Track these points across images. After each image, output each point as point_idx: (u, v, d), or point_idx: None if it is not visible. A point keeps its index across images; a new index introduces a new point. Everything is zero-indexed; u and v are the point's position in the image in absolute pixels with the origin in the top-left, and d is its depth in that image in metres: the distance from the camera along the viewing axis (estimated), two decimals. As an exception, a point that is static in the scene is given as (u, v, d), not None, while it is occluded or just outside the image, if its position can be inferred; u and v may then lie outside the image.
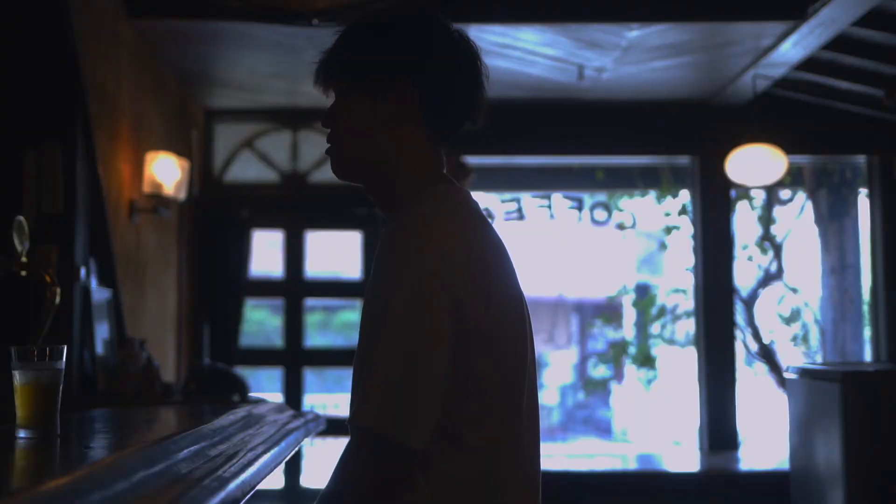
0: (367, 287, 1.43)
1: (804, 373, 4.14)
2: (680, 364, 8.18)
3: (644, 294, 9.20)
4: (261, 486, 1.57)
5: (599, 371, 9.90)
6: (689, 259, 6.44)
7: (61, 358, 1.50)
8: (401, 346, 1.35)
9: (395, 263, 1.38)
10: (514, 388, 1.44)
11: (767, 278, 7.76)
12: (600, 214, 7.09)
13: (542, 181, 6.69)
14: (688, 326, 7.77)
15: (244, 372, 5.19)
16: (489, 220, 1.54)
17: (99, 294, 3.71)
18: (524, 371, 1.46)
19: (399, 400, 1.34)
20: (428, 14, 1.52)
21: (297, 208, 5.98)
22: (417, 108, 1.49)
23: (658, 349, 8.36)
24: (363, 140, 1.51)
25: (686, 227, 7.24)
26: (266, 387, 6.81)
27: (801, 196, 7.59)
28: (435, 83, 1.49)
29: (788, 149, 5.22)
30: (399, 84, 1.48)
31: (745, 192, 7.37)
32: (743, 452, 5.71)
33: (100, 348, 3.65)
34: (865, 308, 6.71)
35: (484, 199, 6.88)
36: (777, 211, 7.83)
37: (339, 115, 1.53)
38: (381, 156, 1.51)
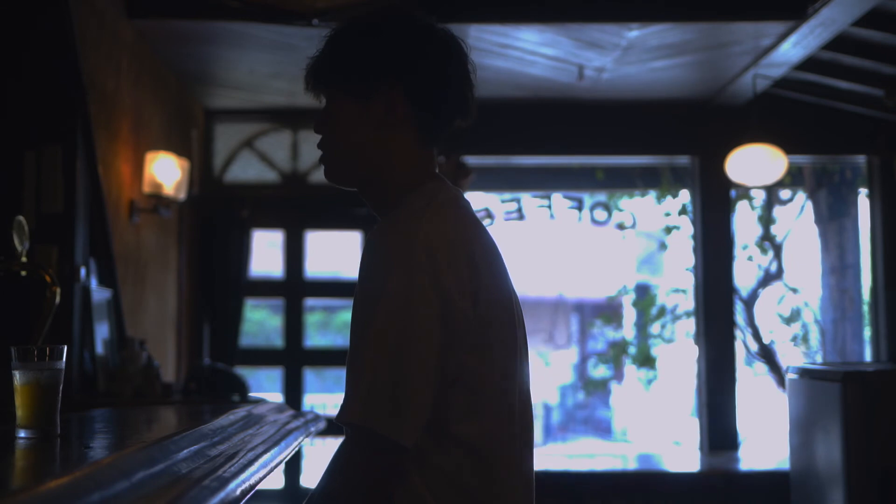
0: (356, 285, 1.43)
1: (804, 373, 4.14)
2: (680, 364, 8.18)
3: (644, 294, 9.20)
4: (261, 486, 1.57)
5: (599, 371, 9.90)
6: (689, 259, 6.44)
7: (61, 358, 1.50)
8: (389, 343, 1.35)
9: (382, 260, 1.38)
10: (504, 384, 1.44)
11: (767, 278, 7.76)
12: (600, 214, 7.09)
13: (542, 181, 6.69)
14: (688, 326, 7.77)
15: (244, 372, 5.19)
16: (482, 219, 1.54)
17: (99, 294, 3.71)
18: (514, 366, 1.46)
19: (387, 396, 1.34)
20: (413, 15, 1.52)
21: (297, 208, 5.98)
22: (406, 110, 1.49)
23: (658, 349, 8.36)
24: (353, 144, 1.51)
25: (686, 227, 7.25)
26: (266, 387, 6.81)
27: (801, 196, 7.59)
28: (423, 84, 1.49)
29: (788, 149, 5.22)
30: (386, 86, 1.48)
31: (745, 192, 7.38)
32: (743, 452, 5.71)
33: (100, 348, 3.65)
34: (865, 308, 6.71)
35: (484, 199, 6.88)
36: (777, 211, 7.83)
37: (329, 119, 1.53)
38: (372, 159, 1.51)
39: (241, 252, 5.85)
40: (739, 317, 7.25)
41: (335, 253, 6.74)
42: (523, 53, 4.80)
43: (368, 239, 1.43)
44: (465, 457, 1.40)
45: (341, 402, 1.39)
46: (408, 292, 1.35)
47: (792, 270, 7.86)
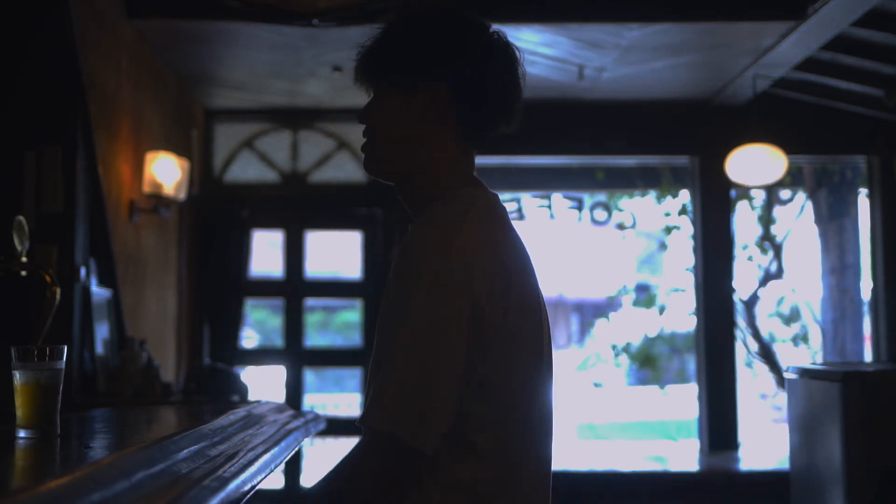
0: (386, 285, 1.41)
1: (804, 373, 4.13)
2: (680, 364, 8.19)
3: (644, 294, 9.20)
4: (261, 486, 1.57)
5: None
6: (689, 259, 6.44)
7: (61, 358, 1.50)
8: (417, 349, 1.34)
9: (415, 265, 1.37)
10: (527, 396, 1.43)
11: (767, 278, 7.77)
12: (600, 214, 7.10)
13: (542, 181, 6.70)
14: (688, 326, 7.77)
15: (244, 372, 5.20)
16: (514, 224, 1.53)
17: (99, 294, 3.71)
18: (539, 380, 1.45)
19: (412, 403, 1.33)
20: (464, 14, 1.52)
21: (297, 208, 5.98)
22: (447, 106, 1.48)
23: (658, 349, 8.36)
24: (393, 136, 1.51)
25: (686, 227, 7.25)
26: (266, 387, 6.82)
27: (801, 196, 7.60)
28: (467, 83, 1.48)
29: (788, 149, 5.22)
30: (430, 81, 1.48)
31: (745, 192, 7.38)
32: (743, 452, 5.71)
33: (100, 348, 3.65)
34: (865, 308, 6.71)
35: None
36: (777, 211, 7.84)
37: (372, 111, 1.53)
38: (411, 153, 1.51)
39: (241, 252, 5.85)
40: (739, 317, 7.25)
41: (335, 253, 6.74)
42: (524, 53, 4.79)
43: (404, 241, 1.42)
44: (480, 465, 1.39)
45: (365, 404, 1.38)
46: (439, 300, 1.34)
47: (792, 270, 7.87)
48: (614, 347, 8.90)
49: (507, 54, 1.52)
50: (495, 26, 1.55)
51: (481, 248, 1.38)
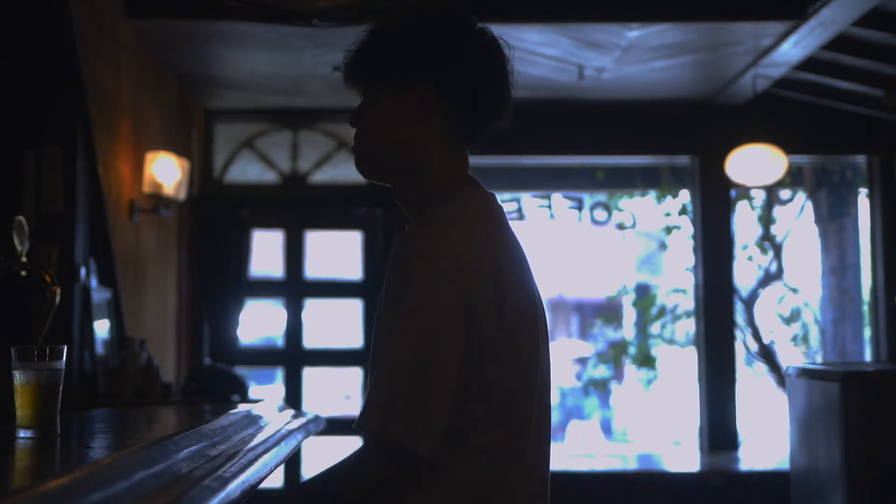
0: (382, 288, 1.41)
1: (804, 373, 4.13)
2: (680, 364, 8.18)
3: (644, 294, 9.20)
4: (261, 486, 1.57)
5: (599, 371, 9.89)
6: (689, 259, 6.44)
7: (61, 358, 1.50)
8: (411, 351, 1.34)
9: (409, 267, 1.37)
10: (523, 396, 1.43)
11: (767, 278, 7.76)
12: (600, 214, 7.09)
13: (542, 181, 6.69)
14: (688, 326, 7.77)
15: (244, 372, 5.19)
16: (510, 224, 1.52)
17: (99, 294, 3.71)
18: (535, 379, 1.45)
19: (407, 405, 1.33)
20: (454, 13, 1.52)
21: (297, 208, 5.98)
22: (440, 106, 1.48)
23: (658, 349, 8.36)
24: (385, 136, 1.51)
25: (686, 227, 7.25)
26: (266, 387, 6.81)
27: (801, 196, 7.59)
28: (459, 81, 1.48)
29: (788, 149, 5.23)
30: (422, 81, 1.47)
31: (745, 192, 7.38)
32: (743, 452, 5.71)
33: (100, 348, 3.65)
34: (865, 308, 6.71)
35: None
36: (777, 211, 7.83)
37: (363, 112, 1.53)
38: (404, 153, 1.50)
39: (241, 252, 5.84)
40: (739, 317, 7.25)
41: (335, 253, 6.74)
42: (524, 53, 4.80)
43: (398, 242, 1.41)
44: (481, 465, 1.39)
45: (361, 407, 1.39)
46: (432, 302, 1.34)
47: (792, 270, 7.86)
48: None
49: (495, 51, 1.52)
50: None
51: (474, 248, 1.38)
